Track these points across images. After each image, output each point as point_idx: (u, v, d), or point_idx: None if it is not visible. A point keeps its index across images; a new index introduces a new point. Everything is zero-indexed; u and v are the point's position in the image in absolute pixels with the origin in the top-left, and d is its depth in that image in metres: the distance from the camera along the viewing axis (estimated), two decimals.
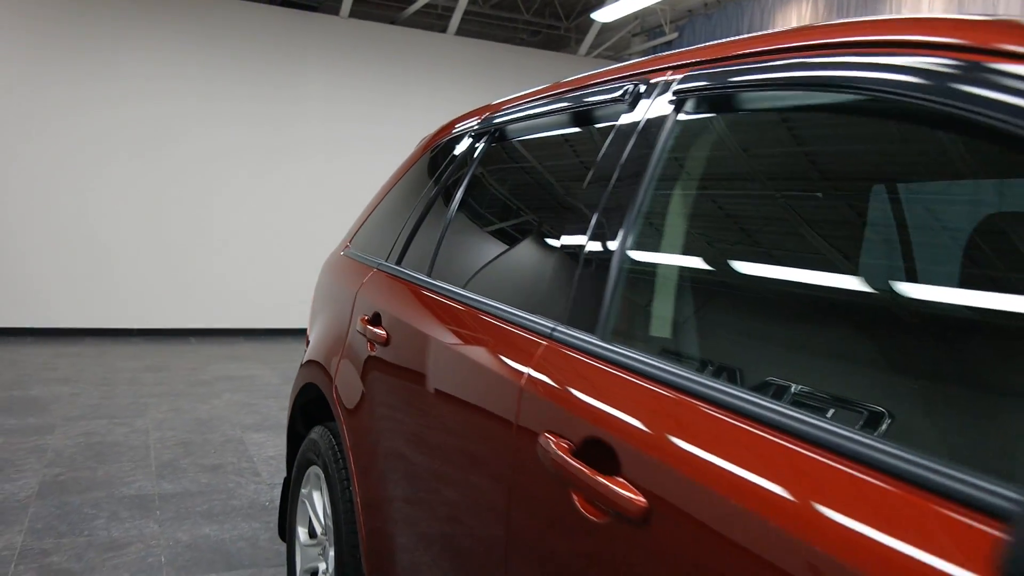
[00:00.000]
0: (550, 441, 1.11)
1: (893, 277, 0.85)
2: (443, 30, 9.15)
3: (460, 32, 9.22)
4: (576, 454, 1.06)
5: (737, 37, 1.19)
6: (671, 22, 9.49)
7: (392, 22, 9.07)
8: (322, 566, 2.29)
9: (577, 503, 1.04)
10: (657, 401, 0.99)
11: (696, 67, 1.24)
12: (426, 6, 8.92)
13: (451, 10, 8.87)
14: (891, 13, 6.88)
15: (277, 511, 3.43)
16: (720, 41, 1.24)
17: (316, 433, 2.34)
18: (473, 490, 1.36)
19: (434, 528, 1.54)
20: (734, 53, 1.16)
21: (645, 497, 0.92)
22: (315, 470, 2.35)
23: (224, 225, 7.98)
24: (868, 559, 0.67)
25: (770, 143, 1.10)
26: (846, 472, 0.73)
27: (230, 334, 8.12)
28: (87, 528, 3.23)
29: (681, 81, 1.25)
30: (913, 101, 0.84)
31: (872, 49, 0.92)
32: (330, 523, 2.18)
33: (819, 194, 0.99)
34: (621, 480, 0.97)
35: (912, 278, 0.84)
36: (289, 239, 8.13)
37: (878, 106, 0.90)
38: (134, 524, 3.30)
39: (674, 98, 1.25)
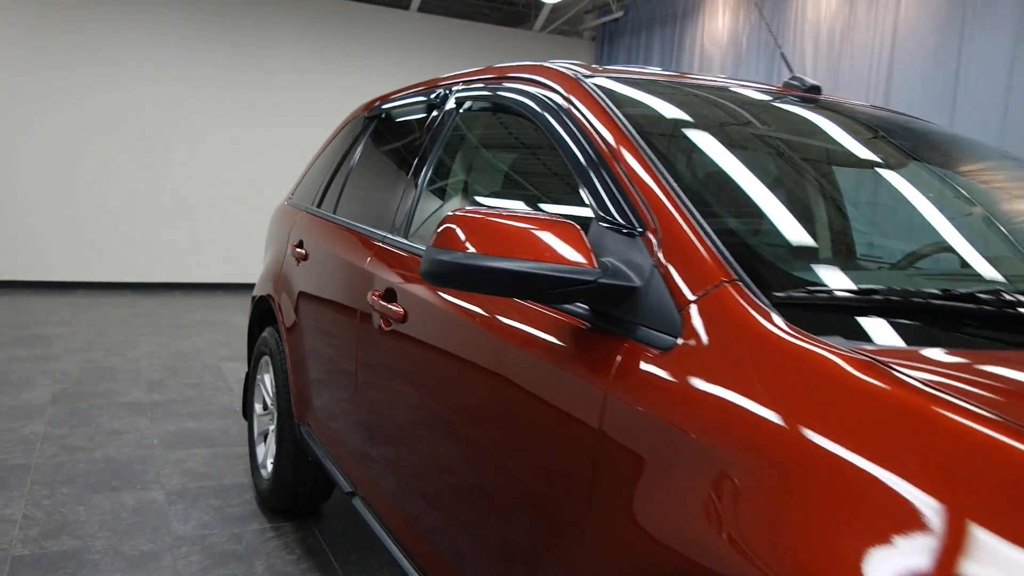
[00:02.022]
0: (372, 295, 2.01)
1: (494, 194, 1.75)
2: (407, 7, 9.88)
3: (422, 8, 9.96)
4: (381, 297, 1.96)
5: (475, 68, 2.07)
6: (617, 0, 10.27)
7: None
8: (271, 427, 3.19)
9: (381, 322, 1.95)
10: (413, 263, 1.89)
11: (463, 82, 2.12)
12: None
13: None
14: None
15: (248, 431, 4.33)
16: (471, 69, 2.13)
17: (267, 332, 3.24)
18: (343, 336, 2.26)
19: (327, 371, 2.44)
20: (474, 76, 2.05)
21: (403, 308, 1.83)
22: (265, 359, 3.25)
23: (206, 188, 8.78)
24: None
25: (483, 125, 2.00)
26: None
27: (210, 288, 8.97)
28: (94, 422, 4.12)
29: (459, 90, 2.14)
30: (520, 111, 1.74)
31: (472, 81, 1.83)
32: (273, 392, 3.08)
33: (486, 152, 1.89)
34: (396, 304, 1.87)
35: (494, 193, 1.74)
36: (266, 201, 8.93)
37: (486, 107, 1.81)
38: (131, 420, 4.20)
39: (456, 99, 2.13)
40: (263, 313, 3.41)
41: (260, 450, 3.29)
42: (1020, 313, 1.08)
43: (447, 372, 1.62)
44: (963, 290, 1.11)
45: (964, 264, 1.43)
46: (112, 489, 3.26)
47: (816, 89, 1.94)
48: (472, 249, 1.22)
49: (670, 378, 1.06)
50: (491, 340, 1.48)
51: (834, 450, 0.85)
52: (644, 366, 1.11)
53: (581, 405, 1.20)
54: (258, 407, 3.37)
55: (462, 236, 1.24)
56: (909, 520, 0.75)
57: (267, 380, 3.26)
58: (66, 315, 7.02)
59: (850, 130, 1.77)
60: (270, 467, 3.11)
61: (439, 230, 1.27)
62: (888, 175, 1.64)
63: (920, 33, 6.60)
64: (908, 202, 1.54)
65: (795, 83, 1.95)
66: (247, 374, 3.56)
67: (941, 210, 1.55)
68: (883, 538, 0.76)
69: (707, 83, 1.84)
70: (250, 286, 8.92)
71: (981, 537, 0.71)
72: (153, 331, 6.57)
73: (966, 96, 6.20)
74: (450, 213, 1.27)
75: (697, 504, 0.95)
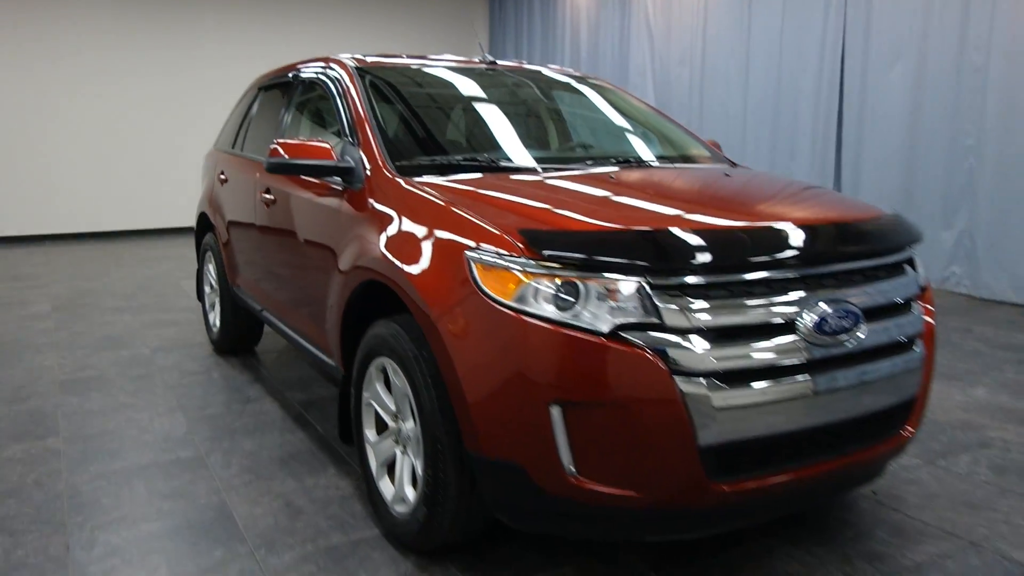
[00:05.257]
0: (260, 193, 3.60)
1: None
2: None
3: None
4: (263, 193, 3.56)
5: (317, 56, 3.63)
6: None
7: None
8: (216, 299, 4.78)
9: (267, 206, 3.55)
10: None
11: (303, 66, 3.68)
12: None
13: None
14: None
15: (202, 307, 5.89)
16: (314, 57, 3.68)
17: (208, 236, 4.81)
18: (248, 222, 3.85)
19: (243, 246, 4.04)
20: (307, 63, 3.62)
21: (274, 196, 3.43)
22: (209, 254, 4.83)
23: (161, 147, 10.12)
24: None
25: (310, 92, 3.58)
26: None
27: (167, 232, 10.39)
28: (88, 319, 5.66)
29: (302, 70, 3.69)
30: (319, 84, 3.33)
31: (307, 66, 3.42)
32: (216, 274, 4.67)
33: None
34: (270, 194, 3.47)
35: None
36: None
37: (310, 84, 3.39)
38: (116, 316, 5.75)
39: (300, 76, 3.69)
40: (204, 225, 4.96)
41: (211, 316, 4.89)
42: (506, 167, 2.72)
43: (292, 222, 3.24)
44: (480, 159, 2.77)
45: (514, 148, 3.07)
46: (112, 349, 4.84)
47: (493, 63, 3.54)
48: (285, 156, 2.82)
49: (360, 199, 2.69)
50: (304, 200, 3.10)
51: (400, 213, 2.48)
52: (352, 197, 2.74)
53: (333, 220, 2.83)
54: (207, 288, 4.96)
55: (281, 151, 2.83)
56: (407, 235, 2.40)
57: (211, 269, 4.84)
58: (42, 259, 8.43)
59: (495, 83, 3.40)
60: (218, 324, 4.71)
61: (270, 147, 2.86)
62: (498, 104, 3.29)
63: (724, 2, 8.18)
64: (500, 118, 3.19)
65: (488, 59, 3.56)
66: (197, 269, 5.13)
67: (519, 121, 3.21)
68: (402, 236, 2.40)
69: (426, 63, 3.43)
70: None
71: (429, 230, 2.35)
72: (120, 265, 8.05)
73: (756, 46, 7.84)
74: (275, 140, 2.87)
75: (363, 241, 2.59)
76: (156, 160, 10.21)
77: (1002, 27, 5.71)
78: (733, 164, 3.34)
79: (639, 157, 3.03)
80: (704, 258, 2.01)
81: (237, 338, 4.62)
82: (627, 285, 1.96)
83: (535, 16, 11.19)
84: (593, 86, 3.71)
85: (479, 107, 3.31)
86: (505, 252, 2.04)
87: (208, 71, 10.40)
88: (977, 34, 5.87)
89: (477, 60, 3.58)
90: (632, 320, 1.95)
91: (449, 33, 12.03)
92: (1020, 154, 5.68)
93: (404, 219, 2.45)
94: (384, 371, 2.49)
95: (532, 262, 2.00)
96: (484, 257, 2.08)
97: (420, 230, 2.35)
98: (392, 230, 2.46)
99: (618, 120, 3.52)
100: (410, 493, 2.39)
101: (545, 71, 3.74)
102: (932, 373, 2.43)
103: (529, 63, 3.75)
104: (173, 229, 10.37)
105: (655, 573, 2.32)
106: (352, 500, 2.79)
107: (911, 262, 2.43)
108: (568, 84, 3.69)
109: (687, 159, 3.24)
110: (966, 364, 4.42)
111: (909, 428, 2.36)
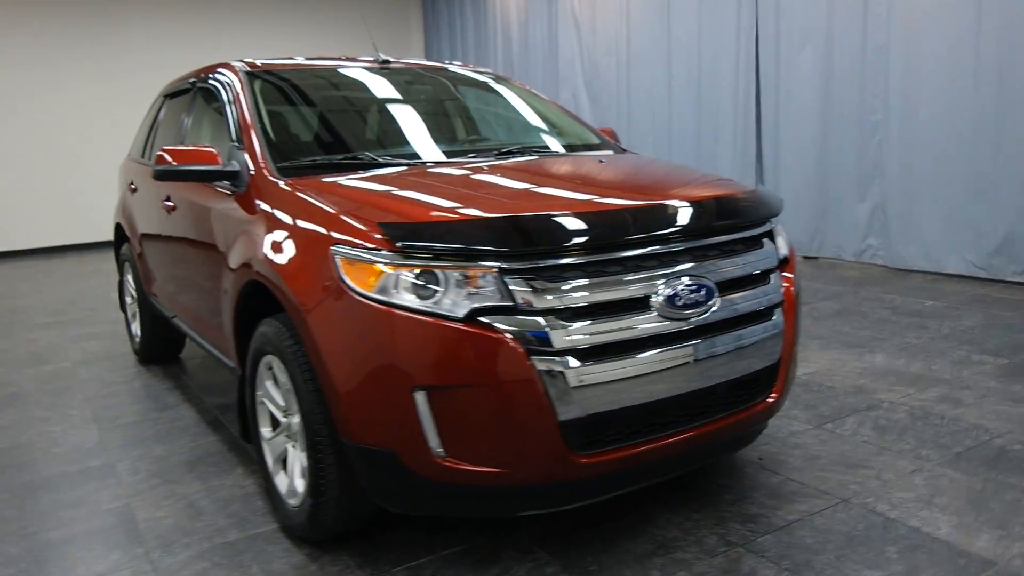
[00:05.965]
0: (161, 200, 3.62)
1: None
2: None
3: None
4: (165, 200, 3.57)
5: (216, 63, 3.65)
6: None
7: None
8: (137, 311, 4.77)
9: (167, 212, 3.57)
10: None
11: (203, 72, 3.70)
12: None
13: None
14: None
15: (124, 317, 5.85)
16: (212, 63, 3.71)
17: (124, 247, 4.79)
18: (157, 229, 3.86)
19: (154, 254, 4.04)
20: (205, 70, 3.64)
21: (173, 203, 3.46)
22: (127, 265, 4.82)
23: (89, 157, 9.98)
24: None
25: (207, 99, 3.61)
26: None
27: (101, 245, 10.25)
28: (14, 336, 5.59)
29: (200, 77, 3.71)
30: (213, 90, 3.36)
31: (205, 73, 3.44)
32: (135, 284, 4.67)
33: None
34: (171, 201, 3.49)
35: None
36: None
37: (208, 91, 3.42)
38: (42, 333, 5.69)
39: (198, 83, 3.71)
40: (121, 235, 4.95)
41: (134, 326, 4.89)
42: (386, 163, 2.79)
43: (190, 226, 3.27)
44: (361, 157, 2.83)
45: (396, 145, 3.14)
46: (34, 364, 4.81)
47: (388, 62, 3.60)
48: (172, 162, 2.85)
49: (246, 202, 2.74)
50: (198, 205, 3.14)
51: (277, 212, 2.53)
52: (239, 199, 2.78)
53: (223, 223, 2.86)
54: (128, 299, 4.95)
55: (168, 157, 2.86)
56: (282, 234, 2.45)
57: (130, 279, 4.82)
58: None
59: (386, 81, 3.46)
60: (139, 333, 4.71)
61: (156, 155, 2.89)
62: (386, 102, 3.35)
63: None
64: (386, 116, 3.26)
65: (381, 58, 3.61)
66: (118, 280, 5.11)
67: (405, 118, 3.28)
68: (278, 236, 2.46)
69: (319, 64, 3.48)
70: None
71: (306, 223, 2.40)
72: (54, 281, 7.96)
73: (676, 34, 7.97)
74: (161, 147, 2.89)
75: (246, 242, 2.63)
76: (87, 173, 10.07)
77: (900, 5, 5.91)
78: (623, 150, 3.45)
79: (523, 148, 3.12)
80: (557, 241, 2.10)
81: (159, 346, 4.62)
82: (482, 271, 2.03)
83: (467, 13, 11.24)
84: (492, 79, 3.79)
85: (367, 106, 3.38)
86: (367, 245, 2.11)
87: (132, 82, 10.27)
88: (877, 13, 6.07)
89: (371, 60, 3.64)
90: (488, 304, 2.02)
91: (383, 34, 12.02)
92: (922, 127, 5.89)
93: (281, 219, 2.50)
94: (272, 368, 2.55)
95: (391, 254, 2.07)
96: (347, 251, 2.14)
97: (293, 229, 2.41)
98: (271, 230, 2.51)
99: (510, 112, 3.61)
100: (300, 486, 2.44)
101: (446, 67, 3.81)
102: (794, 341, 2.55)
103: (464, 60, 3.83)
104: (107, 242, 10.23)
105: (540, 548, 2.40)
106: (254, 498, 2.84)
107: (771, 235, 2.55)
108: (463, 78, 3.77)
109: (574, 148, 3.33)
110: (871, 332, 4.59)
111: (773, 394, 2.48)
